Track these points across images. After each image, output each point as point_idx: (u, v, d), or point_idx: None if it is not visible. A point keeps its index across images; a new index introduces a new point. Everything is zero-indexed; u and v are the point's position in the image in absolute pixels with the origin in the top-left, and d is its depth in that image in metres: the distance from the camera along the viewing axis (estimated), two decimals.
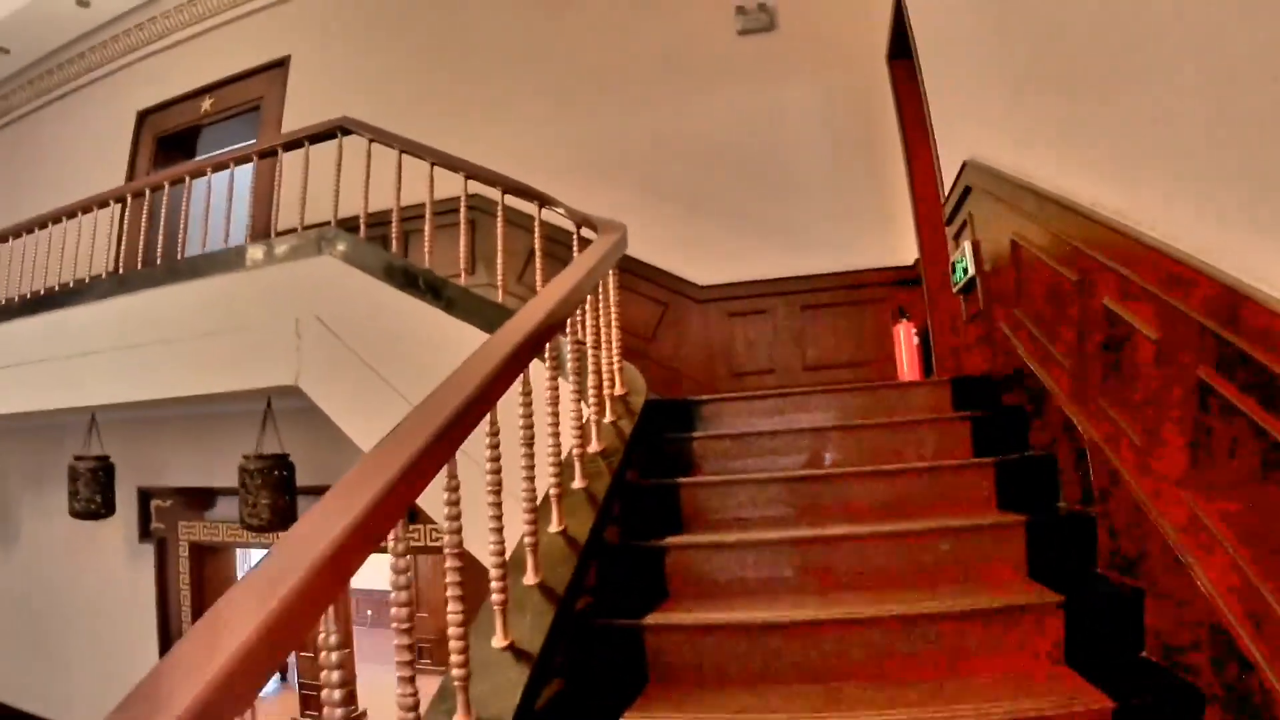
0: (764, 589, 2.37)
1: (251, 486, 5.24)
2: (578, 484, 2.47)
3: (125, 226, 5.95)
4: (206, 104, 7.49)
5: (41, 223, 5.85)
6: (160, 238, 5.20)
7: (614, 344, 3.13)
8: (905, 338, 4.61)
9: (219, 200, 4.89)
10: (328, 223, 4.37)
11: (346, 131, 4.54)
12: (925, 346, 4.58)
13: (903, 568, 2.34)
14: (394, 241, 4.13)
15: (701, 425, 3.32)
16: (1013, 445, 2.88)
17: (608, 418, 2.88)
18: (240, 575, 5.37)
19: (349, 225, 4.37)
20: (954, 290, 3.98)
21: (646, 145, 5.42)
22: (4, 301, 5.99)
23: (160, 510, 7.00)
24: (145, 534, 7.04)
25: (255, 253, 4.54)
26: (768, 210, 5.09)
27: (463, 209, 3.98)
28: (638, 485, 2.83)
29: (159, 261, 5.12)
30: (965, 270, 3.69)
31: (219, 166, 4.98)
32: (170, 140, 7.89)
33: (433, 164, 4.14)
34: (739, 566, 2.41)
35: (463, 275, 3.80)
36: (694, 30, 5.47)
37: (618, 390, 3.09)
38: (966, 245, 3.64)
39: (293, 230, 4.51)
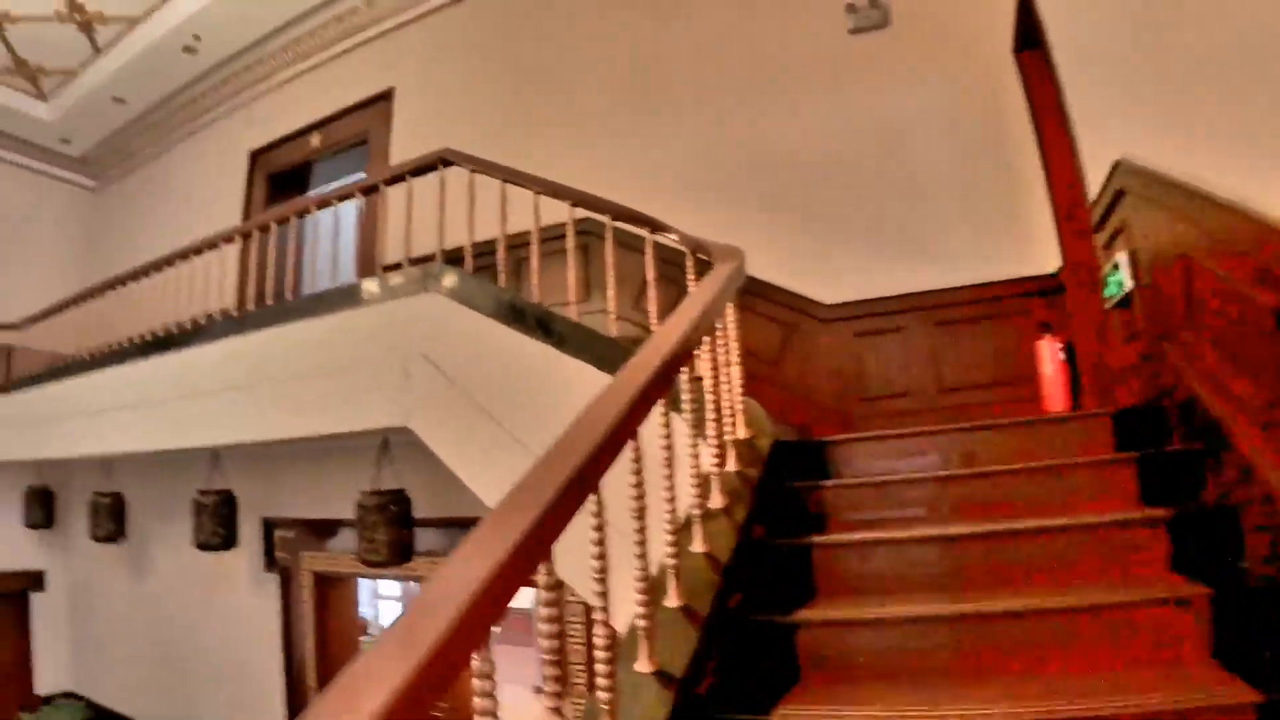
0: (909, 671, 2.08)
1: (368, 522, 5.20)
2: (698, 547, 2.22)
3: (241, 265, 6.09)
4: (315, 140, 7.60)
5: (158, 265, 5.99)
6: (273, 276, 5.22)
7: (736, 382, 2.87)
8: (1050, 355, 4.21)
9: (328, 237, 4.88)
10: (433, 256, 4.28)
11: (448, 163, 4.44)
12: (1071, 362, 4.17)
13: (1067, 637, 2.02)
14: (501, 274, 3.98)
15: (834, 469, 3.03)
16: (1185, 493, 2.50)
17: (730, 465, 2.63)
18: (362, 606, 5.37)
19: (455, 257, 4.26)
20: (1105, 305, 3.58)
21: (760, 158, 5.14)
22: (128, 342, 6.15)
23: (284, 540, 7.11)
24: (270, 563, 7.18)
25: (362, 291, 4.46)
26: (893, 220, 4.73)
27: (570, 239, 3.80)
28: (765, 544, 2.56)
29: (273, 300, 5.14)
30: (1120, 284, 3.30)
31: (323, 204, 4.97)
32: (281, 178, 8.09)
33: (537, 193, 3.98)
34: (881, 645, 2.13)
35: (573, 306, 3.61)
36: (802, 32, 5.16)
37: (741, 433, 2.84)
38: (1121, 256, 3.25)
39: (400, 265, 4.44)
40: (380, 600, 10.69)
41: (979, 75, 4.72)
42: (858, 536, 2.53)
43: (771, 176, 5.06)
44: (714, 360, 2.59)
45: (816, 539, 2.56)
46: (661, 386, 1.94)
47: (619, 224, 3.70)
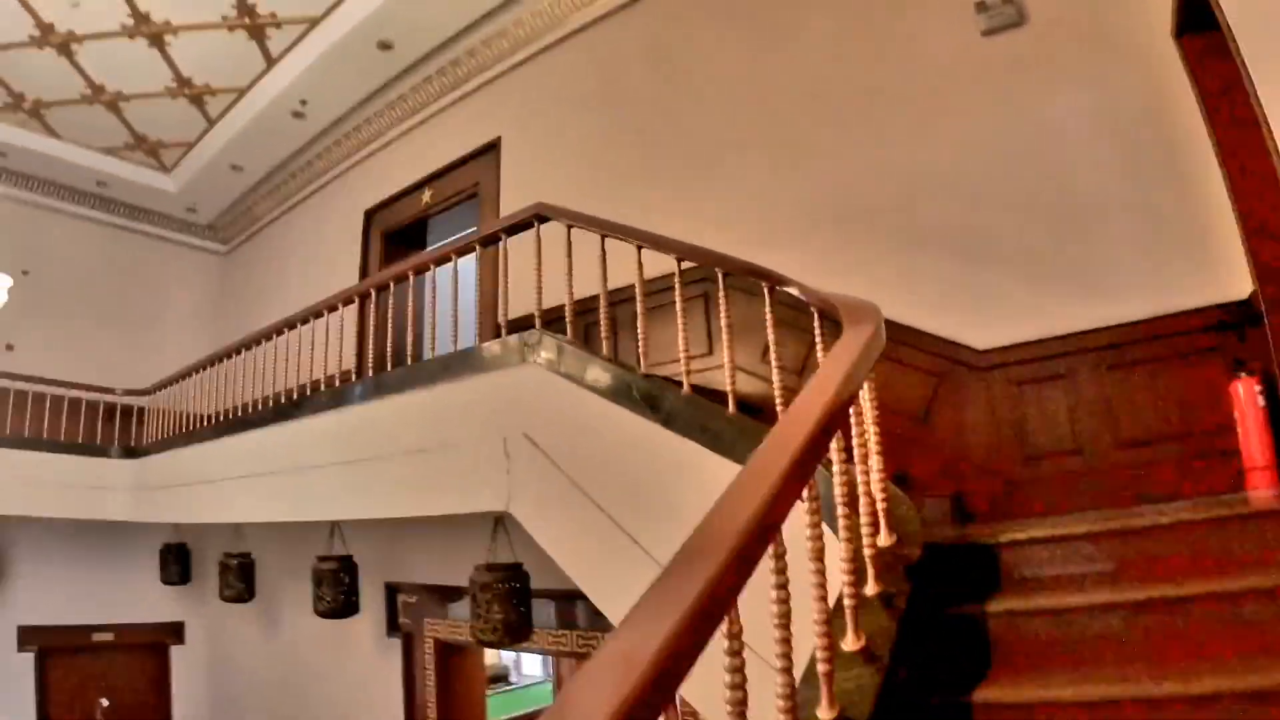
0: None
1: (482, 600, 4.91)
2: (826, 714, 1.68)
3: (360, 327, 5.97)
4: (426, 196, 7.52)
5: (278, 329, 5.93)
6: (391, 338, 5.05)
7: (876, 475, 2.37)
8: (1247, 398, 3.51)
9: (446, 294, 4.62)
10: (532, 316, 3.98)
11: (543, 219, 4.12)
12: (1273, 404, 3.46)
13: None
14: (603, 340, 3.62)
15: (1000, 581, 2.42)
16: None
17: (870, 587, 2.09)
18: (486, 675, 5.05)
19: (556, 315, 3.97)
20: None
21: (892, 186, 4.54)
22: (248, 409, 6.17)
23: (406, 605, 7.01)
24: (393, 628, 7.10)
25: (460, 363, 4.20)
26: (1050, 247, 4.03)
27: (678, 297, 3.39)
28: (914, 704, 1.95)
29: (392, 362, 4.98)
30: None
31: (420, 270, 4.75)
32: (396, 235, 8.03)
33: (639, 247, 3.60)
34: None
35: (684, 365, 3.20)
36: (928, 41, 4.54)
37: (883, 540, 2.31)
38: None
39: (527, 320, 4.17)
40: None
41: (1135, 68, 4.03)
42: (1035, 698, 1.97)
43: (906, 206, 4.46)
44: (847, 450, 2.11)
45: (978, 698, 1.98)
46: (776, 513, 1.50)
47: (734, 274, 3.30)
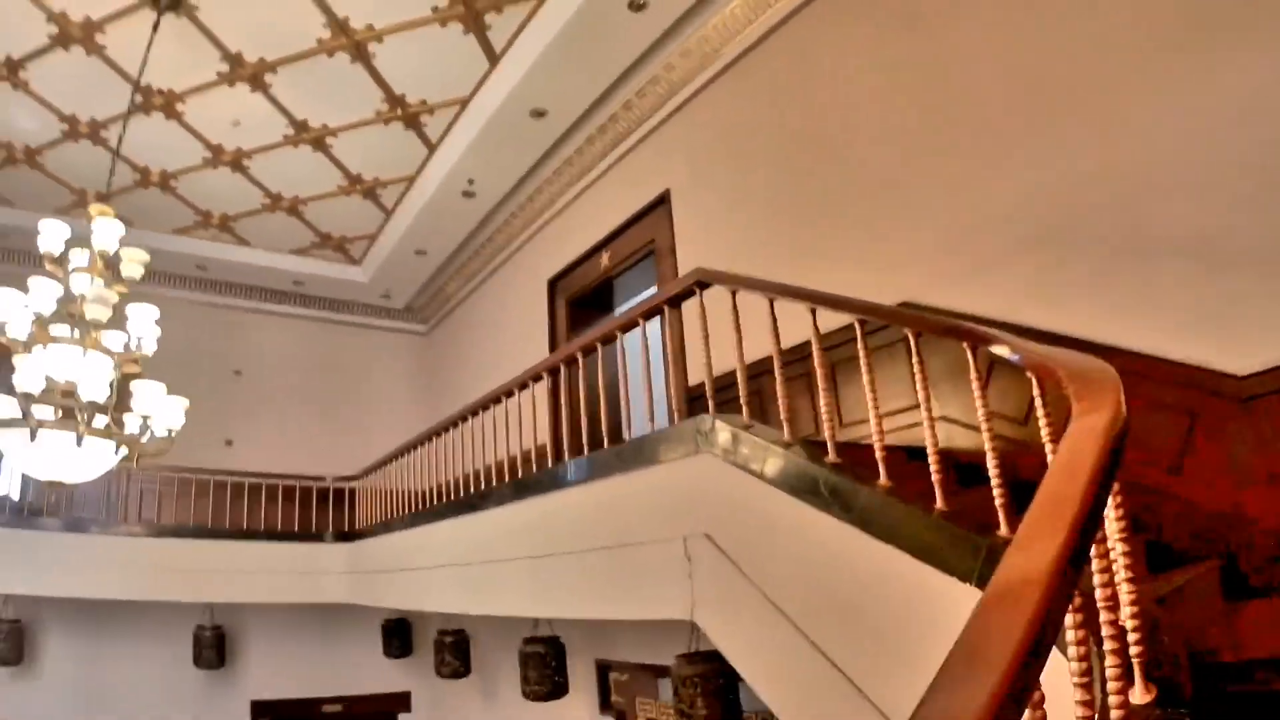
0: None
1: (685, 695, 4.53)
2: None
3: (552, 400, 5.85)
4: (605, 259, 7.35)
5: (473, 410, 5.83)
6: (579, 415, 4.81)
7: (1127, 612, 1.74)
8: None
9: (637, 362, 4.31)
10: (702, 387, 3.59)
11: (705, 285, 3.75)
12: None
13: None
14: (783, 423, 3.17)
15: None
16: None
17: None
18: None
19: (728, 383, 3.60)
20: None
21: (1102, 190, 3.75)
22: (446, 488, 6.15)
23: (619, 684, 6.79)
24: (605, 706, 6.91)
25: (631, 454, 3.86)
26: None
27: (863, 360, 2.90)
28: None
29: (586, 435, 4.75)
30: None
31: (588, 350, 4.49)
32: (581, 302, 7.91)
33: (813, 309, 3.15)
34: None
35: (879, 458, 2.71)
36: (1113, 14, 3.83)
37: (1137, 696, 1.66)
38: None
39: (680, 405, 3.82)
40: None
41: None
42: None
43: (1126, 211, 3.65)
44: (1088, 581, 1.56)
45: None
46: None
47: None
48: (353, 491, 8.90)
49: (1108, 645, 1.59)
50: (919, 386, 2.62)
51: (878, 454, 2.68)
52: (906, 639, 2.38)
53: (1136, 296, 3.56)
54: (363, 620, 8.92)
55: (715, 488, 3.29)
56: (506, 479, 5.17)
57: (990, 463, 2.30)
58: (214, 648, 8.67)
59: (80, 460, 4.16)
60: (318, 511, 8.76)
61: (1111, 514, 1.74)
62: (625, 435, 4.09)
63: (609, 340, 4.33)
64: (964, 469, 3.54)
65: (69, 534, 7.62)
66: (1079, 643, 1.36)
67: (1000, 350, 2.37)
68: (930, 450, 2.50)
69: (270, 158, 7.70)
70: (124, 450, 4.46)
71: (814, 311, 3.12)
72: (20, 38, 6.04)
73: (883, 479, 2.63)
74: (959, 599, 2.17)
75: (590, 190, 7.69)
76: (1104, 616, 1.58)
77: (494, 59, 6.36)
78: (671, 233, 6.45)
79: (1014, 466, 3.40)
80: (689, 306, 3.89)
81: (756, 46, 5.80)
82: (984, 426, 2.38)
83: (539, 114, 6.88)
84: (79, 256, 4.49)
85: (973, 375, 2.44)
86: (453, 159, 7.60)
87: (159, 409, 4.42)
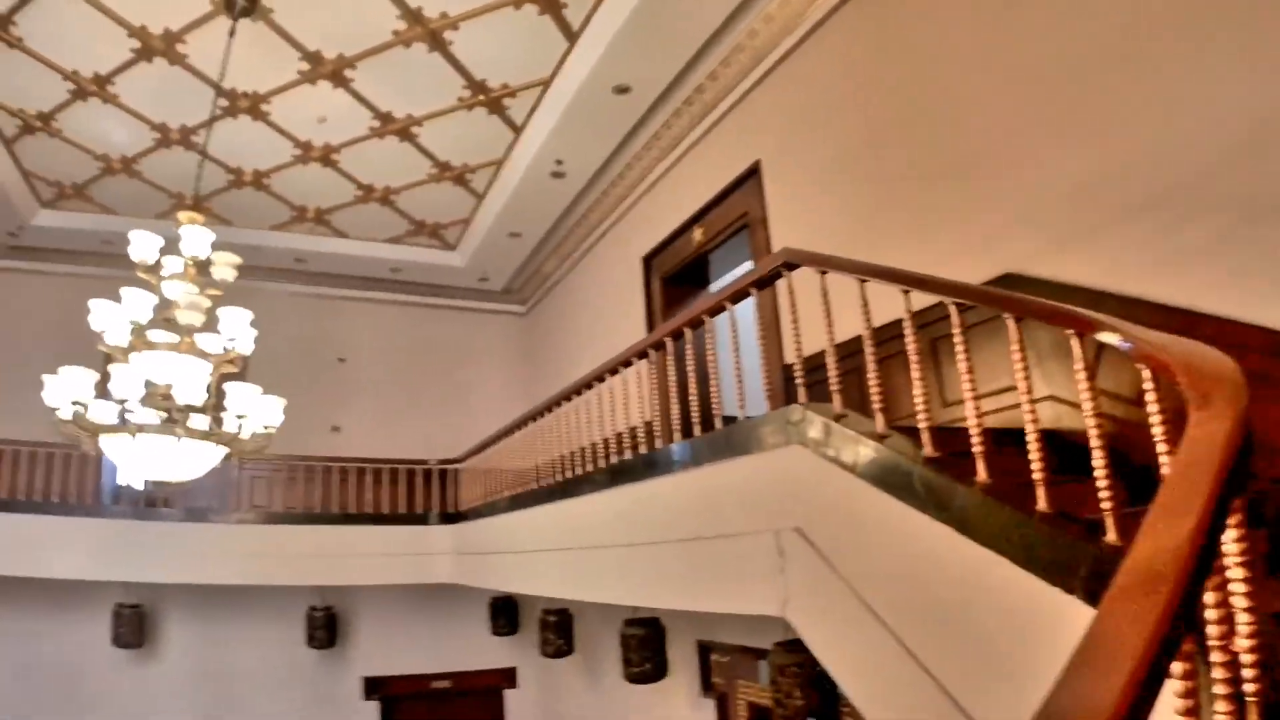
0: None
1: (782, 685, 4.41)
2: None
3: (651, 379, 5.75)
4: (698, 234, 7.18)
5: (573, 392, 5.76)
6: (675, 396, 4.72)
7: (1244, 645, 1.50)
8: None
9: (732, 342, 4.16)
10: (791, 364, 3.43)
11: (792, 266, 3.56)
12: None
13: None
14: (876, 413, 2.97)
15: None
16: None
17: None
18: None
19: (820, 362, 3.42)
20: None
21: (1218, 142, 3.30)
22: (548, 469, 6.13)
23: (719, 665, 6.74)
24: (707, 688, 6.86)
25: (722, 442, 3.75)
26: None
27: (959, 343, 2.68)
28: None
29: (673, 428, 4.67)
30: None
31: (677, 334, 4.35)
32: (675, 279, 7.77)
33: (906, 291, 2.93)
34: None
35: (978, 451, 2.50)
36: None
37: None
38: None
39: (771, 390, 3.66)
40: None
41: None
42: None
43: (1249, 164, 3.21)
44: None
45: None
46: None
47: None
48: (456, 472, 9.05)
49: (1218, 675, 1.39)
50: (1020, 379, 2.40)
51: (976, 448, 2.47)
52: (1004, 649, 2.22)
53: (1264, 261, 3.18)
54: (469, 599, 9.10)
55: (807, 480, 3.14)
56: (603, 463, 5.11)
57: (1098, 464, 2.09)
58: (325, 628, 9.00)
59: (181, 461, 4.27)
60: (422, 493, 8.97)
61: (1232, 535, 1.52)
62: (716, 423, 3.97)
63: (696, 325, 4.19)
64: (1075, 451, 3.26)
65: (187, 524, 8.00)
66: (1185, 676, 1.17)
67: (1109, 338, 2.13)
68: (1033, 447, 2.29)
69: (358, 151, 7.82)
70: (224, 449, 4.56)
71: (907, 294, 2.91)
72: (106, 54, 6.29)
73: (981, 475, 2.43)
74: (1062, 611, 2.01)
75: (680, 165, 7.53)
76: (1216, 651, 1.38)
77: (572, 37, 6.25)
78: (763, 205, 6.23)
79: (1130, 449, 3.14)
80: (781, 285, 3.71)
81: (842, 6, 5.50)
82: (1091, 425, 2.15)
83: (622, 90, 6.74)
84: (173, 263, 4.60)
85: (1078, 365, 2.21)
86: (539, 140, 7.54)
87: (254, 408, 4.50)
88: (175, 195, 8.32)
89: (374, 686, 9.74)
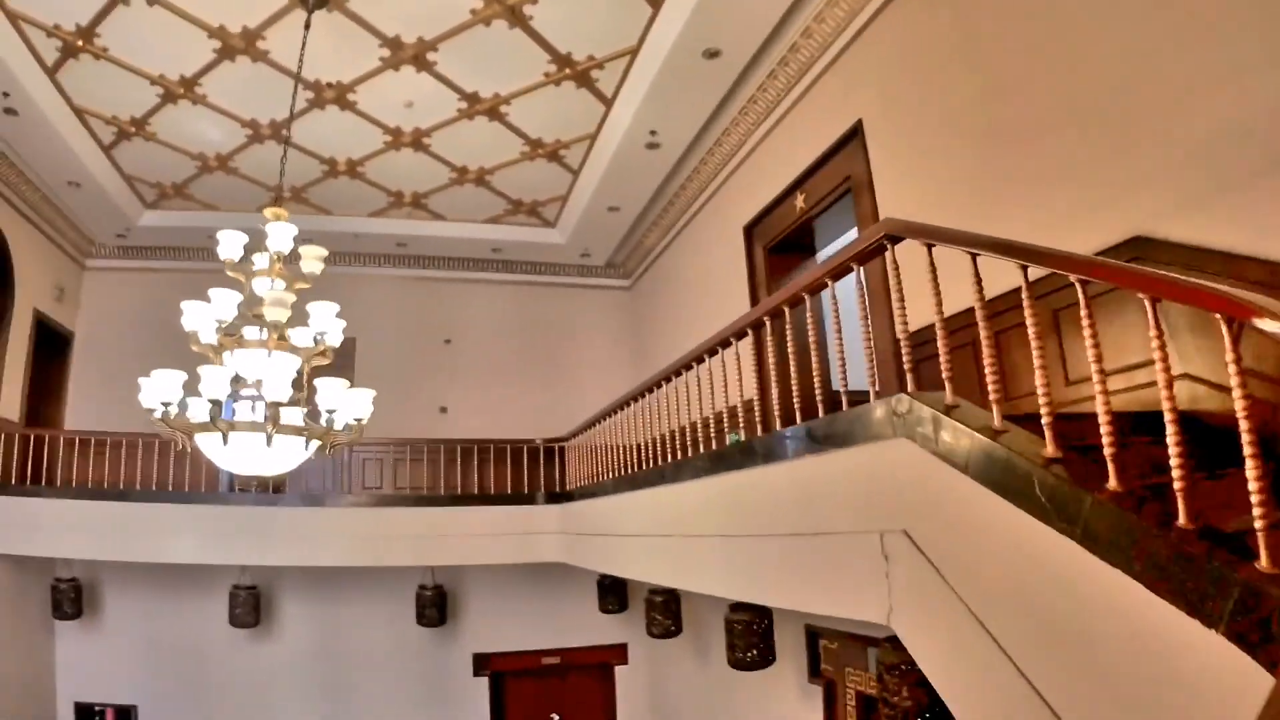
0: None
1: (890, 683, 4.14)
2: None
3: (755, 356, 5.51)
4: (799, 201, 6.82)
5: (673, 373, 5.55)
6: (765, 385, 4.44)
7: None
8: None
9: (849, 318, 3.82)
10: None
11: (896, 239, 3.22)
12: None
13: None
14: (993, 407, 2.63)
15: None
16: None
17: None
18: None
19: (927, 337, 3.12)
20: None
21: None
22: (651, 445, 5.93)
23: (828, 651, 6.51)
24: (814, 674, 6.65)
25: (821, 432, 3.47)
26: None
27: (1086, 327, 2.32)
28: None
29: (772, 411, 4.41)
30: None
31: (776, 314, 4.08)
32: (779, 248, 7.44)
33: (1024, 266, 2.55)
34: None
35: (1108, 454, 2.16)
36: None
37: None
38: None
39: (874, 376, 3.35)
40: None
41: None
42: None
43: None
44: None
45: None
46: None
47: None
48: (562, 451, 9.00)
49: None
50: (1161, 377, 2.02)
51: (1106, 449, 2.13)
52: (1133, 682, 1.92)
53: None
54: (578, 576, 9.07)
55: (914, 478, 2.85)
56: (703, 447, 4.89)
57: (1251, 475, 1.74)
58: (435, 606, 9.15)
59: (274, 456, 4.29)
60: (529, 471, 8.94)
61: None
62: (818, 408, 3.70)
63: (796, 303, 3.89)
64: (1215, 435, 2.83)
65: (301, 508, 8.25)
66: None
67: (1271, 326, 1.75)
68: (1174, 453, 1.93)
69: (449, 133, 7.79)
70: (315, 442, 4.56)
71: (1025, 269, 2.53)
72: (189, 56, 6.42)
73: (1112, 482, 2.09)
74: (1203, 646, 1.70)
75: (778, 130, 7.17)
76: None
77: (656, 3, 5.98)
78: (868, 167, 5.84)
79: (1275, 435, 2.70)
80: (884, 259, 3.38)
81: None
82: (1245, 436, 1.78)
83: (713, 54, 6.42)
84: (263, 259, 4.61)
85: (1229, 357, 1.84)
86: (631, 112, 7.32)
87: (344, 402, 4.48)
88: (273, 189, 8.47)
89: (484, 663, 9.91)
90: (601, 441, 7.44)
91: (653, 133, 7.66)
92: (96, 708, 9.05)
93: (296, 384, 4.57)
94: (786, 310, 3.98)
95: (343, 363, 10.47)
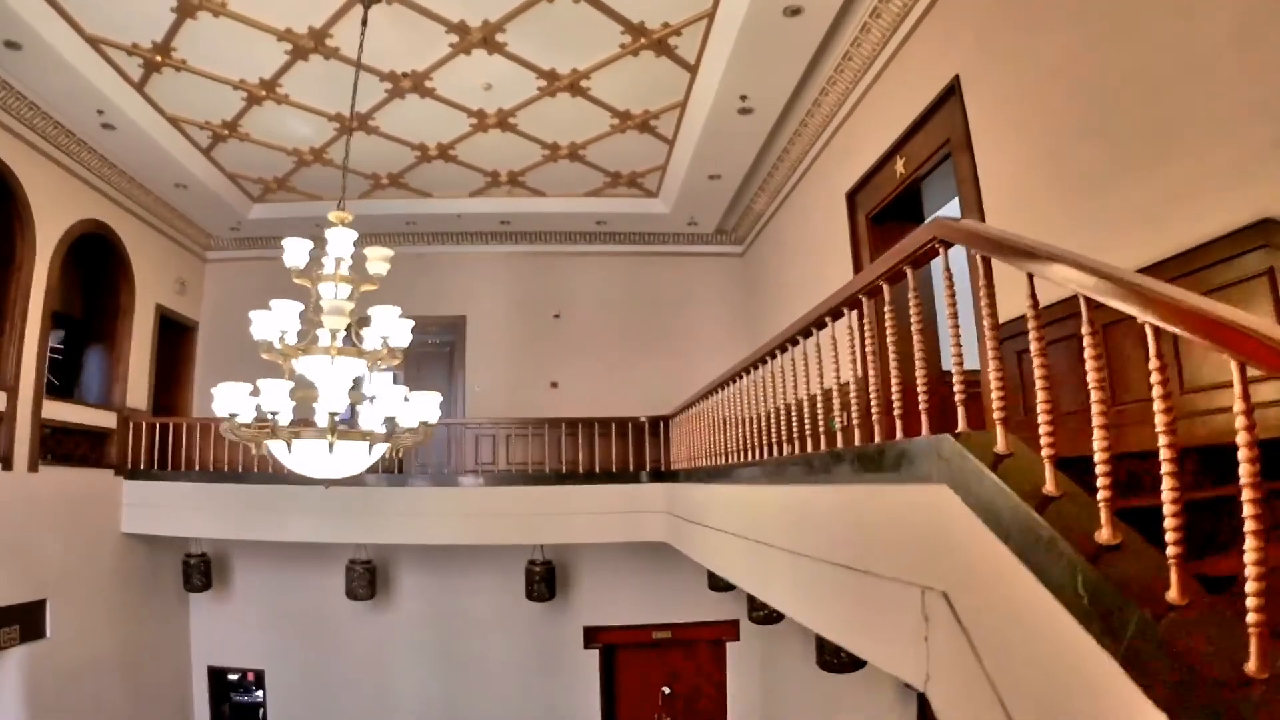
0: None
1: None
2: None
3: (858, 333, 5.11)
4: (899, 166, 6.29)
5: (769, 354, 5.07)
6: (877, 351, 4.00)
7: None
8: None
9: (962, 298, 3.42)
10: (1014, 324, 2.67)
11: (948, 244, 2.80)
12: None
13: None
14: (1045, 461, 2.19)
15: None
16: None
17: None
18: None
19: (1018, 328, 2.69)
20: None
21: None
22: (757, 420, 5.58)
23: None
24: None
25: (871, 461, 3.12)
26: None
27: (1153, 360, 1.86)
28: None
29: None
30: None
31: (837, 314, 3.71)
32: (881, 216, 6.92)
33: (1100, 278, 2.02)
34: None
35: (1172, 558, 1.74)
36: None
37: None
38: None
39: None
40: None
41: None
42: None
43: None
44: None
45: None
46: None
47: None
48: (667, 427, 8.83)
49: None
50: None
51: (1171, 549, 1.70)
52: None
53: None
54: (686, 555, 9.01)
55: (956, 534, 2.45)
56: (801, 430, 4.35)
57: None
58: (544, 581, 9.24)
59: (340, 460, 4.32)
60: (634, 447, 8.80)
61: None
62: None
63: (874, 293, 3.46)
64: None
65: (414, 488, 8.57)
66: None
67: None
68: (1251, 570, 1.52)
69: (533, 111, 7.68)
70: (382, 445, 4.57)
71: (1094, 277, 2.03)
72: (263, 59, 6.62)
73: (1174, 592, 1.67)
74: None
75: (874, 89, 6.61)
76: None
77: None
78: (966, 127, 5.27)
79: None
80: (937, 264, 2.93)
81: None
82: None
83: (794, 11, 5.89)
84: (330, 262, 4.61)
85: None
86: (717, 77, 6.90)
87: (404, 409, 4.47)
88: (370, 176, 8.63)
89: (594, 635, 10.00)
90: (704, 420, 7.19)
91: (743, 97, 7.22)
92: (229, 672, 9.73)
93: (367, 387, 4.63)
94: (864, 300, 3.48)
95: (453, 340, 10.66)
